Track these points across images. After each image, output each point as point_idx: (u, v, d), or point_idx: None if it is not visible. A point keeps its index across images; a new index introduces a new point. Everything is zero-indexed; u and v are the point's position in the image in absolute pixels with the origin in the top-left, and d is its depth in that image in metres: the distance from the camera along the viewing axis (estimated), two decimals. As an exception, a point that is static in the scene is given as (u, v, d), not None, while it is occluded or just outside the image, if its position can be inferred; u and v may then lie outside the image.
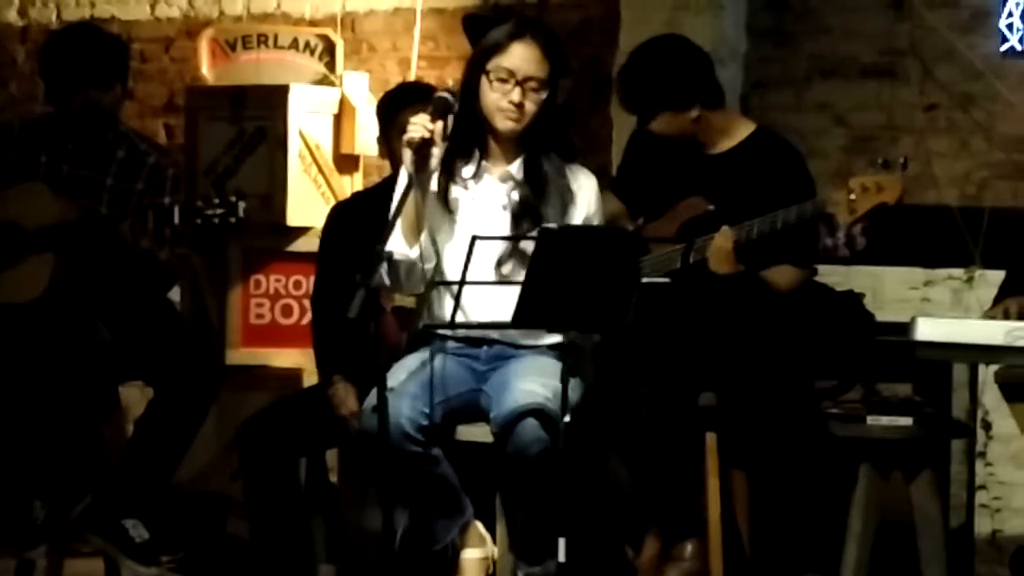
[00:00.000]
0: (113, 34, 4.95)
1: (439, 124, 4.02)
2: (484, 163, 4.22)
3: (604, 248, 3.84)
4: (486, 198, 4.21)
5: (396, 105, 4.83)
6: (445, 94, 4.07)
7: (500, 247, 4.12)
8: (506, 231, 4.17)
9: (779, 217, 4.28)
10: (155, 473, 4.70)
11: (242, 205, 4.51)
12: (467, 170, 4.21)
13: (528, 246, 3.93)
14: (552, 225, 3.93)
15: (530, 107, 4.14)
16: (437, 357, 4.17)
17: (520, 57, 4.13)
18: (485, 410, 4.14)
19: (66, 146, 4.78)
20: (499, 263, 4.13)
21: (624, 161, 4.85)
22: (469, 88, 4.17)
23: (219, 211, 4.49)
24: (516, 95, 4.12)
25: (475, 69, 4.17)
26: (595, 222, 4.23)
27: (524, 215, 4.16)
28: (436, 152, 4.04)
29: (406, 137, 4.03)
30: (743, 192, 4.43)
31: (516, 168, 4.22)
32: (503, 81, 4.13)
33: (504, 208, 4.20)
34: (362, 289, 3.68)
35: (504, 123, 4.16)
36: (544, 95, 4.14)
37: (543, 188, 4.17)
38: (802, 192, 4.42)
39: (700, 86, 4.52)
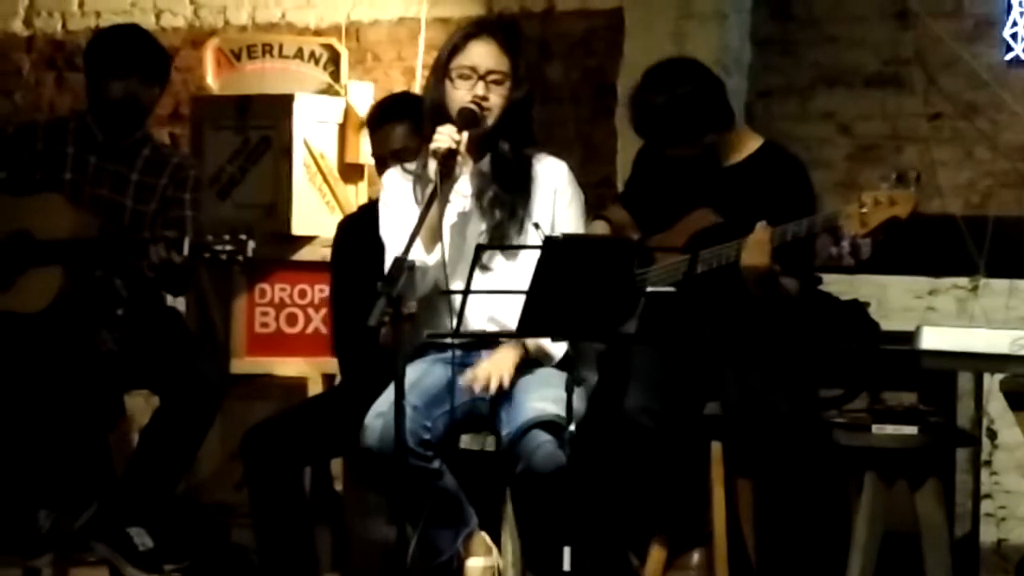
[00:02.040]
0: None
1: (465, 135, 4.10)
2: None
3: (608, 257, 3.85)
4: (460, 197, 4.24)
5: (386, 117, 4.85)
6: (472, 106, 4.14)
7: (479, 238, 4.15)
8: (482, 227, 4.21)
9: (789, 230, 4.27)
10: (160, 482, 4.69)
11: (251, 245, 4.49)
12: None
13: (509, 236, 4.10)
14: (557, 235, 3.97)
15: (495, 100, 4.19)
16: (437, 367, 4.19)
17: (479, 54, 4.19)
18: (489, 419, 4.16)
19: (95, 139, 4.79)
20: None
21: (633, 174, 4.85)
22: (435, 93, 4.22)
23: (228, 248, 4.48)
24: (480, 89, 4.17)
25: (438, 74, 4.24)
26: (567, 205, 4.26)
27: (495, 210, 4.21)
28: (460, 161, 4.10)
29: (432, 146, 4.09)
30: (749, 205, 4.42)
31: (486, 164, 4.26)
32: (466, 78, 4.18)
33: (479, 207, 4.24)
34: (383, 297, 3.69)
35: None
36: (507, 88, 4.19)
37: (514, 183, 4.22)
38: (806, 205, 4.41)
39: (713, 118, 4.50)
